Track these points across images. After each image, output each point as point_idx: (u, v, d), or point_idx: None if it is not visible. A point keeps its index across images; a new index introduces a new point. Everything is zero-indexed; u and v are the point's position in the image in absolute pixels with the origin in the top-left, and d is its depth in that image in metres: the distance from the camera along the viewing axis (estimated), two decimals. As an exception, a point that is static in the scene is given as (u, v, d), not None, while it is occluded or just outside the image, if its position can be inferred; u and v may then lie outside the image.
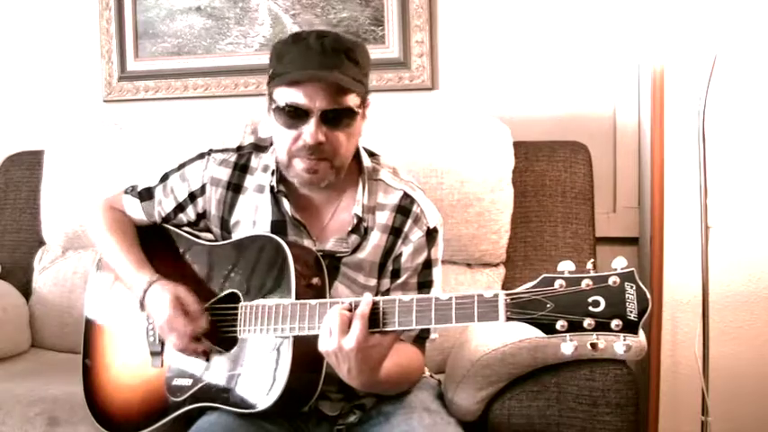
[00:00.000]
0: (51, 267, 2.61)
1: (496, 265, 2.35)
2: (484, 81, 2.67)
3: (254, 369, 1.61)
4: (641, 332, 1.33)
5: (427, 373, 1.89)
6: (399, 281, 1.74)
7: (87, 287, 1.97)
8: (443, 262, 1.82)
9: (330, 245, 1.74)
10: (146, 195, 1.89)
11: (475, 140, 2.32)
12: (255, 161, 1.82)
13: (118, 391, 1.83)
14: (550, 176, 2.37)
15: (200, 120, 2.70)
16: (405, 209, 1.75)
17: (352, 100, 1.63)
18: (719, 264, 2.39)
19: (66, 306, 2.53)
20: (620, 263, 1.30)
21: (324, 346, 1.46)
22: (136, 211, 1.89)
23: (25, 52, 3.03)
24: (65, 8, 2.98)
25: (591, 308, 1.29)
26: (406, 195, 1.76)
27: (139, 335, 1.81)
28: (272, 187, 1.76)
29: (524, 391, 1.77)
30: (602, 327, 1.29)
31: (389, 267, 1.75)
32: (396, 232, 1.74)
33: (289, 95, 1.61)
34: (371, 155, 1.83)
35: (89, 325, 1.94)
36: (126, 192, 1.92)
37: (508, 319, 1.33)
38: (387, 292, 1.73)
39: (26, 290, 2.62)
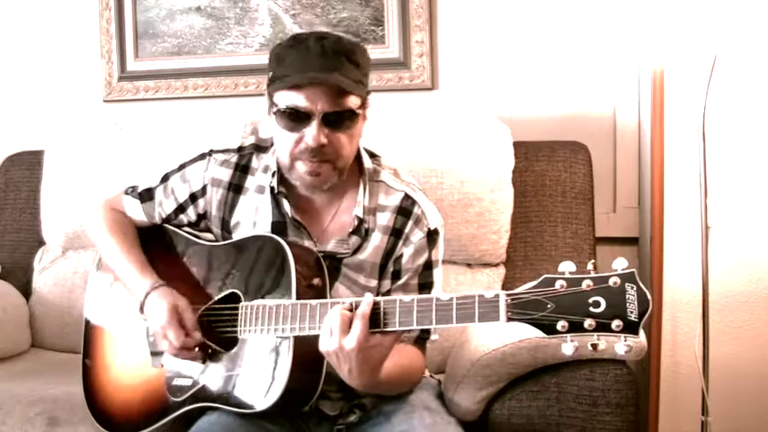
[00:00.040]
0: (51, 267, 2.61)
1: (496, 265, 2.35)
2: (484, 81, 2.67)
3: (255, 369, 1.61)
4: (641, 332, 1.33)
5: (427, 374, 1.89)
6: (400, 282, 1.74)
7: (87, 287, 1.97)
8: (443, 262, 1.82)
9: (331, 246, 1.74)
10: (146, 196, 1.89)
11: (475, 140, 2.32)
12: (256, 162, 1.82)
13: (118, 391, 1.83)
14: (550, 176, 2.37)
15: (200, 120, 2.70)
16: (406, 210, 1.75)
17: (352, 102, 1.63)
18: (719, 264, 2.39)
19: (66, 306, 2.53)
20: (620, 264, 1.30)
21: (324, 347, 1.46)
22: (136, 212, 1.89)
23: (25, 52, 3.03)
24: (65, 8, 2.98)
25: (591, 308, 1.29)
26: (407, 197, 1.76)
27: (140, 335, 1.81)
28: (272, 188, 1.76)
29: (524, 391, 1.77)
30: (602, 327, 1.29)
31: (390, 268, 1.75)
32: (396, 233, 1.74)
33: (290, 98, 1.61)
34: (372, 156, 1.83)
35: (89, 325, 1.93)
36: (126, 192, 1.91)
37: (509, 319, 1.33)
38: (387, 294, 1.73)
39: (26, 290, 2.62)
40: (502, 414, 1.78)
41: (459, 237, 2.26)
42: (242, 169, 1.82)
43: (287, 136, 1.65)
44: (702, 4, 2.21)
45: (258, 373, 1.60)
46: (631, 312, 1.28)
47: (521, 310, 1.33)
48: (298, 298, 1.58)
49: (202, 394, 1.68)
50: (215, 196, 1.82)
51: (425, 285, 1.74)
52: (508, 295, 1.34)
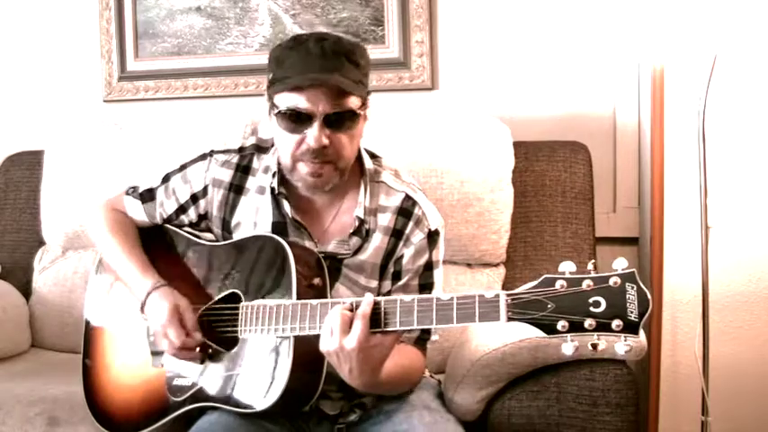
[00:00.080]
0: (51, 267, 2.61)
1: (496, 265, 2.35)
2: (484, 81, 2.67)
3: (255, 369, 1.61)
4: (641, 332, 1.33)
5: (427, 374, 1.89)
6: (400, 283, 1.74)
7: (87, 287, 1.97)
8: (444, 262, 1.81)
9: (331, 247, 1.74)
10: (147, 197, 1.89)
11: (475, 140, 2.32)
12: (257, 162, 1.82)
13: (118, 391, 1.83)
14: (550, 176, 2.37)
15: (201, 120, 2.70)
16: (406, 211, 1.75)
17: (353, 102, 1.63)
18: (719, 264, 2.39)
19: (66, 306, 2.53)
20: (620, 264, 1.30)
21: (325, 346, 1.46)
22: (137, 212, 1.89)
23: (25, 52, 3.03)
24: (65, 8, 2.98)
25: (592, 308, 1.29)
26: (407, 197, 1.76)
27: (140, 335, 1.81)
28: (272, 189, 1.76)
29: (524, 391, 1.77)
30: (602, 327, 1.29)
31: (391, 269, 1.75)
32: (397, 234, 1.74)
33: (291, 100, 1.61)
34: (373, 156, 1.83)
35: (89, 325, 1.93)
36: (127, 193, 1.91)
37: (509, 319, 1.33)
38: (388, 294, 1.72)
39: (26, 290, 2.62)
40: (502, 414, 1.78)
41: (459, 237, 2.26)
42: (243, 170, 1.82)
43: (288, 137, 1.65)
44: (702, 4, 2.21)
45: (258, 373, 1.60)
46: (631, 312, 1.28)
47: (521, 310, 1.33)
48: (298, 298, 1.58)
49: (202, 394, 1.68)
50: (216, 197, 1.82)
51: (426, 286, 1.74)
52: (508, 295, 1.34)
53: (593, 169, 2.40)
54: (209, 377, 1.68)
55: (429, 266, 1.75)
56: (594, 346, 1.31)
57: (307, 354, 1.54)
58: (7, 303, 2.51)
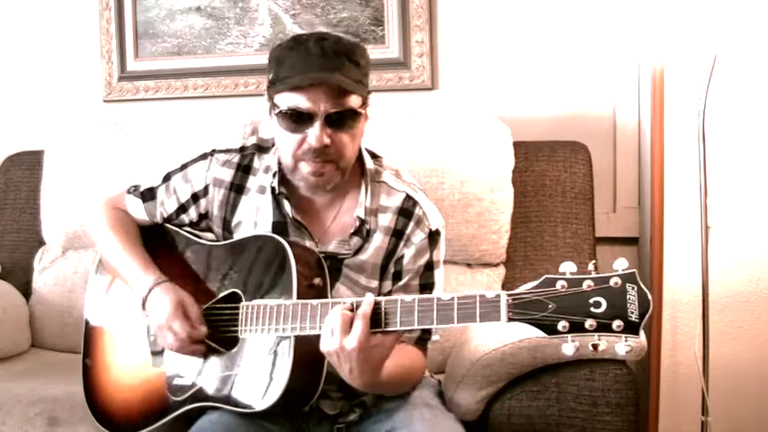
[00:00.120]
0: (51, 267, 2.61)
1: (496, 265, 2.35)
2: (484, 81, 2.67)
3: (255, 369, 1.61)
4: (642, 332, 1.33)
5: (427, 374, 1.89)
6: (401, 283, 1.74)
7: (87, 287, 1.97)
8: (444, 262, 1.81)
9: (332, 247, 1.74)
10: (148, 196, 1.89)
11: (475, 140, 2.33)
12: (258, 162, 1.82)
13: (118, 391, 1.83)
14: (550, 176, 2.37)
15: (201, 120, 2.70)
16: (407, 211, 1.75)
17: (354, 101, 1.64)
18: (719, 264, 2.39)
19: (66, 306, 2.53)
20: (621, 264, 1.30)
21: (325, 346, 1.46)
22: (138, 211, 1.89)
23: (25, 52, 3.03)
24: (65, 8, 2.98)
25: (592, 309, 1.29)
26: (408, 197, 1.76)
27: (140, 334, 1.81)
28: (272, 189, 1.76)
29: (524, 391, 1.77)
30: (603, 328, 1.29)
31: (391, 269, 1.75)
32: (398, 234, 1.74)
33: (292, 100, 1.62)
34: (374, 156, 1.83)
35: (89, 325, 1.93)
36: (128, 192, 1.91)
37: (510, 319, 1.33)
38: (388, 294, 1.72)
39: (26, 290, 2.61)
40: (502, 414, 1.78)
41: (459, 237, 2.26)
42: (244, 169, 1.82)
43: (289, 137, 1.65)
44: (702, 4, 2.21)
45: (258, 373, 1.60)
46: (632, 313, 1.28)
47: (522, 311, 1.33)
48: (298, 298, 1.58)
49: (203, 394, 1.68)
50: (217, 196, 1.82)
51: (426, 286, 1.74)
52: (509, 295, 1.34)
53: (593, 169, 2.40)
54: (209, 377, 1.68)
55: (430, 266, 1.75)
56: (595, 346, 1.31)
57: (307, 354, 1.54)
58: (7, 303, 2.51)
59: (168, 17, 2.87)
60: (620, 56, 2.56)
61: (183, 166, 1.87)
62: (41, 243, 2.68)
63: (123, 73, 2.93)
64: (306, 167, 1.67)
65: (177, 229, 1.88)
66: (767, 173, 2.42)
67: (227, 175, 1.82)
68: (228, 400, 1.63)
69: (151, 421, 1.74)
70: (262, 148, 1.83)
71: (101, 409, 1.84)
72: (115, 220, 1.87)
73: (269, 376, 1.58)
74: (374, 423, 1.70)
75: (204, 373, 1.69)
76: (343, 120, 1.63)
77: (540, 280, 1.33)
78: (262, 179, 1.80)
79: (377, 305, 1.44)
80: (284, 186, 1.75)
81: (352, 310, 1.45)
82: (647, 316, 1.28)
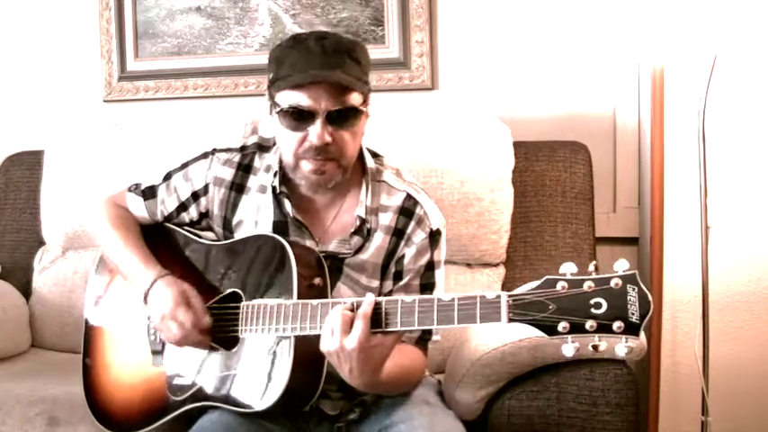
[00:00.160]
0: (51, 267, 2.61)
1: (496, 265, 2.35)
2: (484, 81, 2.67)
3: (255, 369, 1.61)
4: (642, 333, 1.33)
5: (427, 373, 1.89)
6: (402, 283, 1.73)
7: (87, 287, 1.97)
8: (444, 262, 1.81)
9: (333, 246, 1.74)
10: (149, 194, 1.89)
11: (475, 140, 2.33)
12: (258, 161, 1.82)
13: (118, 390, 1.83)
14: (550, 176, 2.37)
15: (201, 120, 2.71)
16: (408, 210, 1.75)
17: (355, 99, 1.64)
18: (719, 264, 2.39)
19: (66, 306, 2.53)
20: (621, 265, 1.30)
21: (325, 346, 1.46)
22: (139, 209, 1.89)
23: (25, 52, 3.03)
24: (65, 8, 2.98)
25: (593, 310, 1.29)
26: (409, 197, 1.76)
27: (140, 334, 1.81)
28: (273, 188, 1.76)
29: (524, 391, 1.78)
30: (603, 329, 1.28)
31: (392, 269, 1.75)
32: (398, 234, 1.74)
33: (293, 98, 1.62)
34: (375, 155, 1.83)
35: (89, 324, 1.93)
36: (129, 190, 1.91)
37: (510, 320, 1.33)
38: (389, 294, 1.72)
39: (26, 290, 2.61)
40: (502, 414, 1.78)
41: (459, 237, 2.26)
42: (244, 169, 1.82)
43: (291, 136, 1.65)
44: (702, 4, 2.21)
45: (258, 373, 1.60)
46: (633, 314, 1.28)
47: (522, 311, 1.33)
48: (299, 298, 1.58)
49: (203, 393, 1.68)
50: (217, 195, 1.82)
51: (427, 286, 1.74)
52: (510, 296, 1.34)
53: (593, 169, 2.40)
54: (209, 376, 1.68)
55: (431, 266, 1.75)
56: (596, 347, 1.30)
57: (307, 353, 1.54)
58: (7, 303, 2.51)
59: (168, 17, 2.87)
60: (620, 56, 2.56)
61: (184, 165, 1.87)
62: (41, 243, 2.68)
63: (123, 73, 2.93)
64: (307, 166, 1.67)
65: (177, 229, 1.88)
66: (767, 173, 2.42)
67: (228, 174, 1.82)
68: (228, 399, 1.63)
69: (151, 421, 1.74)
70: (263, 147, 1.83)
71: (101, 409, 1.84)
72: (116, 217, 1.87)
73: (269, 376, 1.58)
74: (374, 421, 1.69)
75: (204, 373, 1.69)
76: (344, 117, 1.63)
77: (541, 281, 1.33)
78: (262, 178, 1.80)
79: (377, 305, 1.44)
80: (285, 186, 1.75)
81: (352, 311, 1.45)
82: (648, 317, 1.28)
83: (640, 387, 1.98)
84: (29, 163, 2.78)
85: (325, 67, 1.60)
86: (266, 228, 1.76)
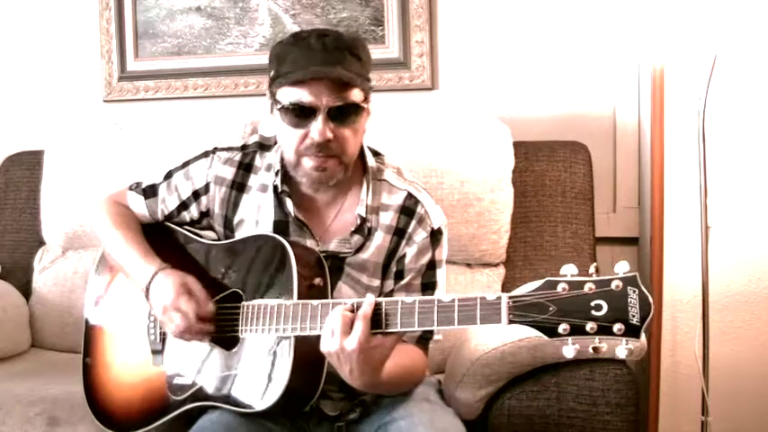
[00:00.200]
0: (51, 267, 2.61)
1: (496, 265, 2.35)
2: (484, 81, 2.67)
3: (255, 369, 1.61)
4: (642, 334, 1.33)
5: (427, 373, 1.89)
6: (403, 282, 1.73)
7: (88, 286, 1.97)
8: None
9: (333, 245, 1.74)
10: (150, 192, 1.89)
11: (475, 140, 2.33)
12: (260, 160, 1.82)
13: (118, 390, 1.83)
14: (550, 176, 2.37)
15: (201, 120, 2.71)
16: (409, 209, 1.75)
17: (356, 95, 1.64)
18: (719, 264, 2.39)
19: (66, 306, 2.53)
20: (622, 267, 1.30)
21: (326, 347, 1.46)
22: (139, 207, 1.89)
23: (25, 52, 3.03)
24: (65, 8, 2.98)
25: (593, 312, 1.29)
26: (410, 196, 1.76)
27: (140, 333, 1.81)
28: (275, 187, 1.76)
29: (524, 391, 1.78)
30: (604, 331, 1.28)
31: (393, 268, 1.74)
32: (400, 233, 1.74)
33: (294, 95, 1.62)
34: (376, 154, 1.83)
35: (89, 324, 1.93)
36: (130, 188, 1.92)
37: (510, 321, 1.33)
38: (390, 293, 1.73)
39: (26, 290, 2.61)
40: (502, 414, 1.78)
41: (459, 237, 2.26)
42: (245, 168, 1.82)
43: (292, 132, 1.65)
44: (702, 4, 2.21)
45: (258, 373, 1.60)
46: (633, 316, 1.27)
47: (522, 313, 1.32)
48: (299, 298, 1.58)
49: (203, 393, 1.68)
50: (218, 194, 1.82)
51: (428, 285, 1.74)
52: (510, 298, 1.34)
53: (593, 169, 2.41)
54: (209, 376, 1.68)
55: (432, 265, 1.74)
56: (596, 349, 1.30)
57: (307, 354, 1.54)
58: (7, 303, 2.51)
59: (168, 17, 2.87)
60: (620, 56, 2.56)
61: (185, 164, 1.87)
62: (41, 243, 2.68)
63: (123, 73, 2.93)
64: (308, 162, 1.66)
65: (178, 228, 1.88)
66: (767, 173, 2.42)
67: (229, 173, 1.82)
68: (228, 399, 1.63)
69: (151, 420, 1.74)
70: (264, 146, 1.83)
71: (101, 408, 1.84)
72: (117, 214, 1.87)
73: (269, 376, 1.58)
74: (374, 419, 1.69)
75: (204, 373, 1.69)
76: (345, 114, 1.63)
77: (542, 282, 1.33)
78: (263, 177, 1.80)
79: (377, 306, 1.44)
80: (286, 184, 1.75)
81: (352, 311, 1.45)
82: (648, 319, 1.28)
83: (640, 387, 1.98)
84: (29, 163, 2.78)
85: (325, 64, 1.60)
86: (267, 227, 1.76)
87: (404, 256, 1.74)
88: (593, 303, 1.29)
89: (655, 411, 2.39)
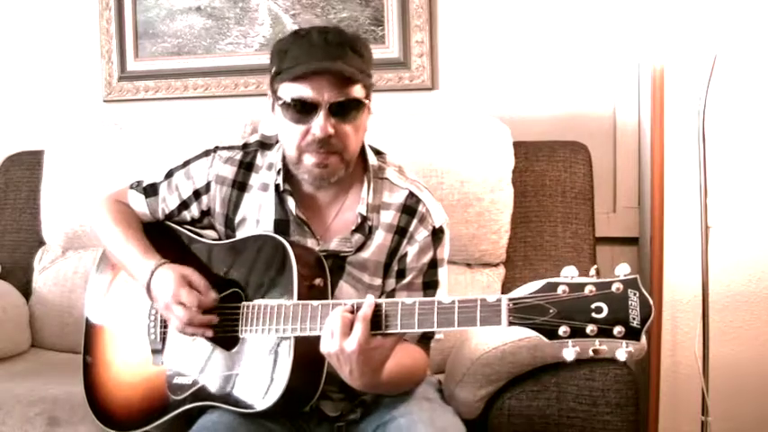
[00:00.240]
0: (51, 267, 2.61)
1: (496, 265, 2.35)
2: (484, 81, 2.67)
3: (255, 369, 1.61)
4: (643, 336, 1.32)
5: (428, 372, 1.89)
6: (404, 281, 1.73)
7: (88, 286, 1.97)
8: (445, 261, 1.82)
9: (334, 244, 1.73)
10: (150, 191, 1.89)
11: (475, 140, 2.33)
12: (261, 159, 1.82)
13: (118, 389, 1.83)
14: (550, 176, 2.37)
15: (201, 120, 2.71)
16: (410, 208, 1.74)
17: (357, 91, 1.64)
18: (719, 264, 2.39)
19: (66, 306, 2.53)
20: (623, 269, 1.30)
21: (325, 348, 1.46)
22: (140, 206, 1.89)
23: (25, 52, 3.03)
24: (65, 8, 2.98)
25: (594, 314, 1.28)
26: (411, 195, 1.76)
27: (141, 332, 1.81)
28: (277, 186, 1.76)
29: (524, 391, 1.78)
30: (604, 333, 1.28)
31: (395, 267, 1.74)
32: (401, 232, 1.73)
33: (295, 90, 1.62)
34: (377, 153, 1.83)
35: (90, 323, 1.93)
36: (131, 187, 1.92)
37: (510, 323, 1.33)
38: (392, 292, 1.73)
39: (26, 290, 2.62)
40: (502, 413, 1.78)
41: (459, 237, 2.26)
42: (246, 167, 1.82)
43: (293, 129, 1.65)
44: (702, 4, 2.21)
45: (258, 373, 1.60)
46: (633, 319, 1.27)
47: (523, 315, 1.32)
48: (299, 298, 1.58)
49: (203, 393, 1.68)
50: (219, 194, 1.82)
51: (430, 284, 1.73)
52: (510, 300, 1.34)
53: (593, 169, 2.41)
54: (209, 376, 1.68)
55: (434, 264, 1.74)
56: (596, 351, 1.29)
57: (307, 354, 1.54)
58: (7, 303, 2.51)
59: (168, 17, 2.86)
60: (620, 56, 2.56)
61: (186, 163, 1.87)
62: (41, 243, 2.68)
63: (123, 73, 2.93)
64: (310, 159, 1.66)
65: (179, 228, 1.88)
66: (767, 173, 2.42)
67: (230, 172, 1.82)
68: (228, 399, 1.63)
69: (151, 420, 1.74)
70: (265, 145, 1.83)
71: (101, 407, 1.84)
72: (117, 212, 1.87)
73: (269, 376, 1.58)
74: (374, 418, 1.69)
75: (204, 373, 1.69)
76: (346, 110, 1.63)
77: (542, 284, 1.33)
78: (264, 176, 1.80)
79: (377, 307, 1.44)
80: (288, 183, 1.75)
81: (352, 312, 1.45)
82: (649, 322, 1.28)
83: (640, 387, 1.98)
84: (29, 163, 2.78)
85: (327, 58, 1.60)
86: (268, 226, 1.76)
87: (405, 254, 1.73)
88: (593, 306, 1.29)
89: (655, 411, 2.40)
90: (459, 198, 2.28)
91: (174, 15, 2.86)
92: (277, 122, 1.71)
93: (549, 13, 2.61)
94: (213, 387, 1.67)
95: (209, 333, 1.67)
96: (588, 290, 1.29)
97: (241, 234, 1.80)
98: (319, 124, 1.61)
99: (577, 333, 1.29)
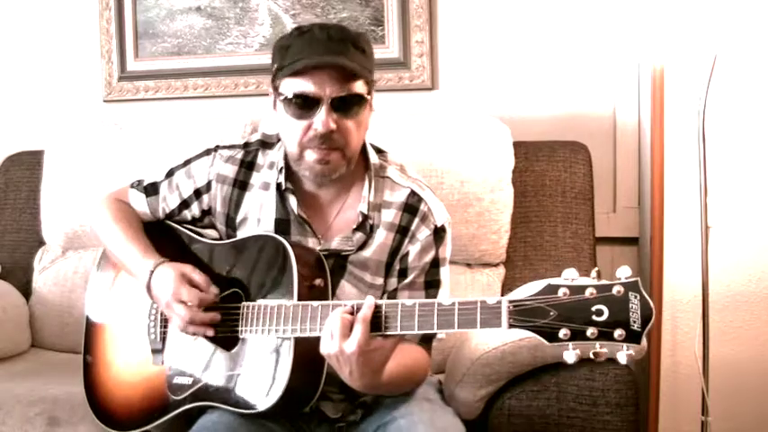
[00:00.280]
0: (51, 267, 2.61)
1: (496, 265, 2.35)
2: (484, 81, 2.67)
3: (255, 369, 1.61)
4: (644, 338, 1.32)
5: (429, 372, 1.89)
6: (406, 280, 1.73)
7: (88, 285, 1.97)
8: (446, 260, 1.81)
9: (335, 243, 1.73)
10: (151, 190, 1.89)
11: (475, 140, 2.33)
12: (262, 158, 1.82)
13: (119, 389, 1.83)
14: (550, 176, 2.37)
15: (200, 120, 2.71)
16: (412, 207, 1.74)
17: (359, 87, 1.63)
18: (719, 264, 2.39)
19: (66, 306, 2.53)
20: (624, 272, 1.29)
21: (325, 349, 1.46)
22: (141, 205, 1.89)
23: (25, 52, 3.03)
24: (65, 8, 2.98)
25: (594, 317, 1.28)
26: (413, 193, 1.75)
27: (141, 332, 1.81)
28: (278, 185, 1.75)
29: (524, 391, 1.78)
30: (604, 336, 1.28)
31: (396, 267, 1.74)
32: (403, 231, 1.73)
33: (297, 85, 1.61)
34: (379, 152, 1.82)
35: (90, 323, 1.93)
36: (132, 186, 1.92)
37: (511, 326, 1.33)
38: (394, 292, 1.72)
39: (26, 290, 2.62)
40: (502, 413, 1.78)
41: (459, 237, 2.26)
42: (247, 166, 1.82)
43: (295, 124, 1.65)
44: (702, 4, 2.21)
45: (259, 374, 1.60)
46: (634, 322, 1.27)
47: (523, 317, 1.32)
48: (299, 299, 1.58)
49: (203, 393, 1.68)
50: (220, 193, 1.82)
51: (432, 283, 1.73)
52: (510, 302, 1.33)
53: (593, 169, 2.40)
54: (208, 376, 1.68)
55: (435, 263, 1.74)
56: (597, 354, 1.29)
57: (307, 354, 1.54)
58: (7, 303, 2.51)
59: (168, 17, 2.86)
60: (620, 56, 2.56)
61: (187, 162, 1.87)
62: (41, 243, 2.68)
63: (123, 73, 2.93)
64: (311, 155, 1.66)
65: (179, 228, 1.88)
66: (767, 173, 2.42)
67: (231, 171, 1.81)
68: (228, 399, 1.63)
69: (151, 419, 1.74)
70: (266, 143, 1.83)
71: (101, 407, 1.84)
72: (117, 211, 1.87)
73: (269, 377, 1.58)
74: (375, 419, 1.69)
75: (204, 373, 1.69)
76: (348, 105, 1.63)
77: (543, 286, 1.32)
78: (266, 175, 1.80)
79: (377, 309, 1.44)
80: (289, 182, 1.75)
81: (352, 314, 1.45)
82: (650, 325, 1.27)
83: (640, 387, 1.98)
84: (29, 163, 2.78)
85: (329, 53, 1.60)
86: (269, 225, 1.76)
87: (407, 254, 1.73)
88: (594, 308, 1.28)
89: (655, 411, 2.40)
90: (459, 198, 2.28)
91: (173, 15, 2.86)
92: (279, 119, 1.70)
93: (548, 13, 2.61)
94: (213, 387, 1.67)
95: (211, 332, 1.66)
96: (589, 292, 1.29)
97: (242, 233, 1.80)
98: (321, 119, 1.61)
99: (578, 336, 1.29)
